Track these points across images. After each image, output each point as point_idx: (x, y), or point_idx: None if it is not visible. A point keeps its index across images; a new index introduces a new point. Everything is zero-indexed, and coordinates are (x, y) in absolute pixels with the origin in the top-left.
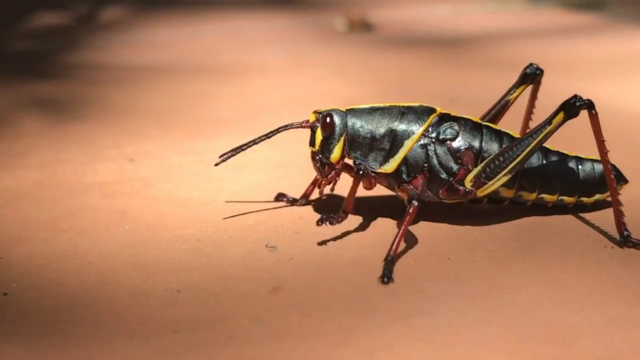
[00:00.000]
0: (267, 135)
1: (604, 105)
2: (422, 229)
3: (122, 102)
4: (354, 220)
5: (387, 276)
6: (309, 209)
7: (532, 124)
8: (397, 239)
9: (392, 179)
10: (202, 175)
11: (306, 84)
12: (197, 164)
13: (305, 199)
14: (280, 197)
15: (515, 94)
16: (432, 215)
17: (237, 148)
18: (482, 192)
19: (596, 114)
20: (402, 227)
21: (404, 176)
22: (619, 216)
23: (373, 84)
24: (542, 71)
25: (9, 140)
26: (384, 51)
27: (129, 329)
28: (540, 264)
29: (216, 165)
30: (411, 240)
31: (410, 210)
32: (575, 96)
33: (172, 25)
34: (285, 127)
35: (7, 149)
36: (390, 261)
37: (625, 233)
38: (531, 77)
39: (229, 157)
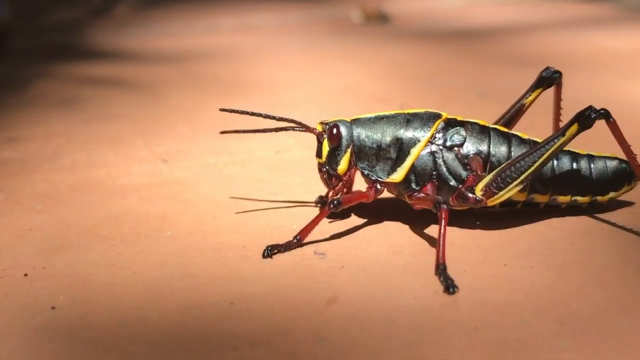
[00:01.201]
0: (276, 119)
1: (632, 100)
2: (471, 234)
3: (144, 99)
4: (401, 225)
5: (451, 286)
6: (351, 212)
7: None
8: (440, 247)
9: (402, 187)
10: (238, 177)
11: (330, 78)
12: (231, 164)
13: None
14: (321, 200)
15: (530, 98)
16: (474, 219)
17: (244, 111)
18: (492, 202)
19: (614, 121)
20: (441, 234)
21: (413, 185)
22: None
23: (398, 78)
24: (559, 74)
25: (39, 141)
26: (403, 43)
27: (185, 346)
28: (600, 270)
29: (221, 133)
30: (462, 246)
31: (443, 215)
32: (590, 107)
33: (186, 19)
34: (292, 128)
35: (37, 150)
36: (443, 270)
37: None
38: (547, 81)
39: (234, 131)
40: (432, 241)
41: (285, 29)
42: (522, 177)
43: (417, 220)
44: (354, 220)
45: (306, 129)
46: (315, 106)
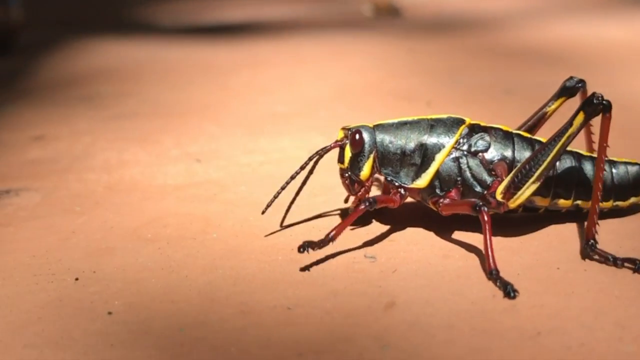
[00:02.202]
0: (302, 168)
1: None
2: (519, 237)
3: (169, 97)
4: (445, 228)
5: (511, 290)
6: (391, 213)
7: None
8: (489, 251)
9: (426, 193)
10: (275, 177)
11: (350, 75)
12: (266, 164)
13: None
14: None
15: (553, 107)
16: (519, 222)
17: (278, 192)
18: (513, 203)
19: (610, 117)
20: (487, 238)
21: (437, 190)
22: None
23: (420, 75)
24: (583, 83)
25: (66, 140)
26: (419, 38)
27: (250, 352)
28: None
29: (263, 213)
30: (512, 249)
31: (486, 218)
32: (594, 94)
33: (194, 14)
34: (319, 155)
35: (66, 149)
36: (496, 274)
37: None
38: (570, 90)
39: (272, 202)
40: (479, 244)
41: (295, 22)
42: (537, 173)
43: (460, 224)
44: (396, 223)
45: (330, 148)
46: (341, 104)
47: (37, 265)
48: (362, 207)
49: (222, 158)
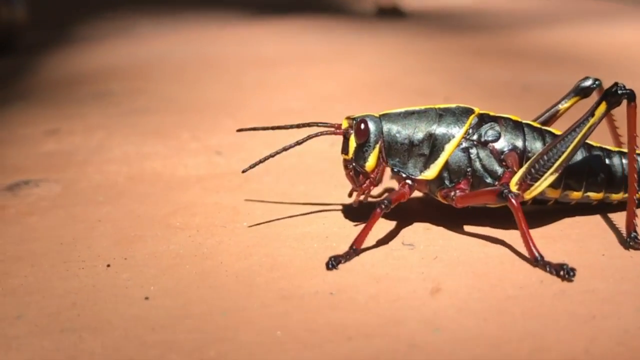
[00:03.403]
0: (298, 142)
1: None
2: (558, 225)
3: (180, 94)
4: (482, 216)
5: (569, 270)
6: (421, 202)
7: (623, 139)
8: (528, 237)
9: (434, 185)
10: (300, 168)
11: (361, 72)
12: (288, 156)
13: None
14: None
15: (566, 105)
16: (551, 212)
17: (266, 157)
18: (529, 195)
19: (635, 106)
20: (523, 225)
21: (447, 182)
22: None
23: (435, 72)
24: (599, 83)
25: (80, 134)
26: (427, 36)
27: (297, 335)
28: None
29: (243, 172)
30: (553, 237)
31: (515, 204)
32: (616, 84)
33: (195, 12)
34: (317, 134)
35: (82, 143)
36: (542, 260)
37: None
38: (585, 90)
39: (256, 165)
40: (516, 231)
41: (299, 23)
42: (557, 164)
43: (489, 213)
44: (427, 213)
45: (331, 131)
46: (356, 99)
47: (66, 252)
48: (379, 210)
49: (243, 150)
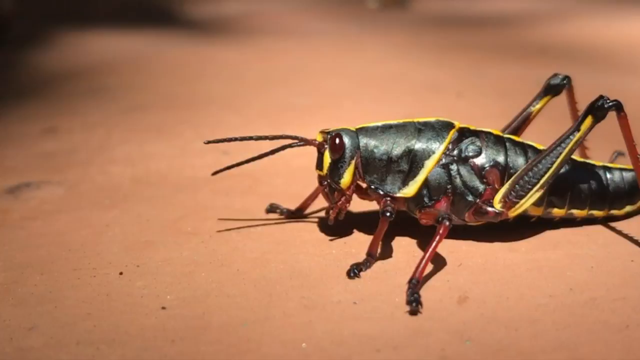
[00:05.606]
0: (273, 152)
1: None
2: (585, 231)
3: (180, 89)
4: (502, 223)
5: (415, 302)
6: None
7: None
8: (426, 259)
9: (413, 203)
10: (310, 170)
11: (369, 66)
12: (298, 156)
13: (299, 212)
14: (272, 208)
15: (538, 106)
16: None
17: (238, 163)
18: (513, 212)
19: (625, 115)
20: (433, 247)
21: (426, 199)
22: None
23: (444, 67)
24: (569, 79)
25: (79, 132)
26: (433, 29)
27: (323, 347)
28: None
29: (213, 174)
30: (579, 243)
31: (441, 231)
32: (601, 97)
33: (195, 8)
34: (290, 145)
35: (82, 141)
36: (415, 284)
37: None
38: (555, 88)
39: (224, 170)
40: (542, 238)
41: (299, 14)
42: (542, 181)
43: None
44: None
45: (305, 142)
46: (365, 95)
47: (75, 259)
48: (384, 219)
49: (251, 150)
